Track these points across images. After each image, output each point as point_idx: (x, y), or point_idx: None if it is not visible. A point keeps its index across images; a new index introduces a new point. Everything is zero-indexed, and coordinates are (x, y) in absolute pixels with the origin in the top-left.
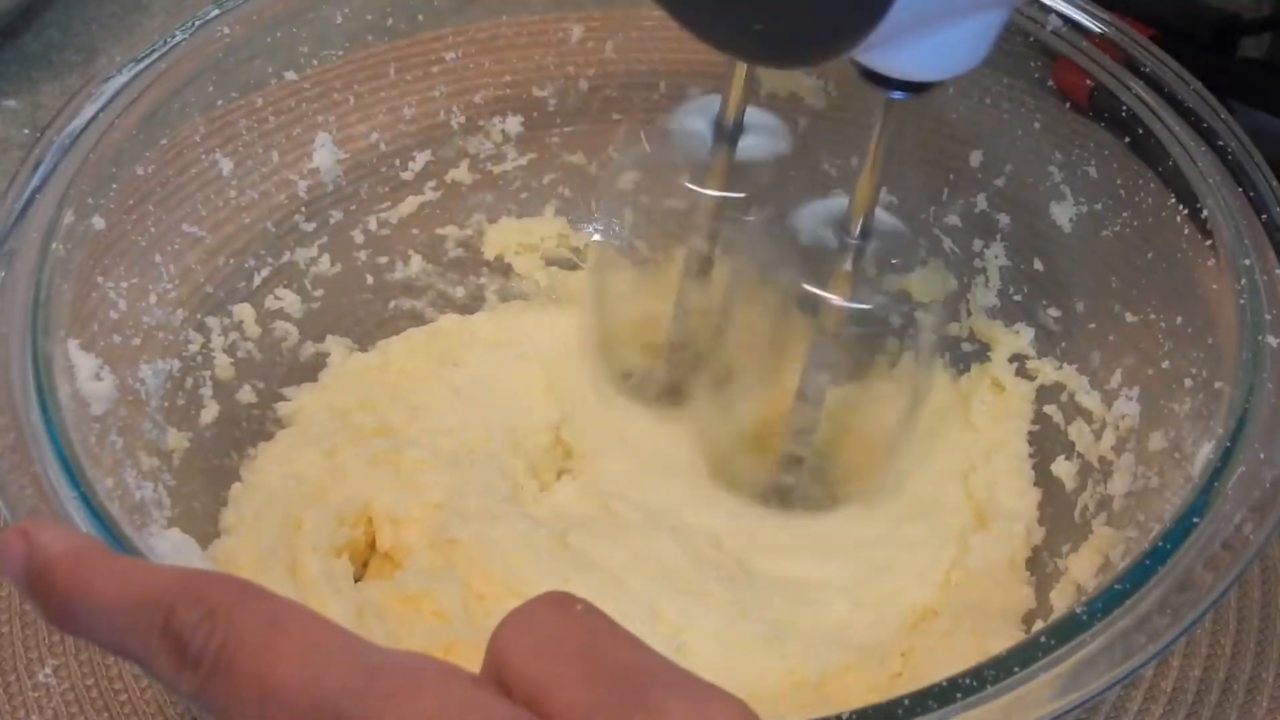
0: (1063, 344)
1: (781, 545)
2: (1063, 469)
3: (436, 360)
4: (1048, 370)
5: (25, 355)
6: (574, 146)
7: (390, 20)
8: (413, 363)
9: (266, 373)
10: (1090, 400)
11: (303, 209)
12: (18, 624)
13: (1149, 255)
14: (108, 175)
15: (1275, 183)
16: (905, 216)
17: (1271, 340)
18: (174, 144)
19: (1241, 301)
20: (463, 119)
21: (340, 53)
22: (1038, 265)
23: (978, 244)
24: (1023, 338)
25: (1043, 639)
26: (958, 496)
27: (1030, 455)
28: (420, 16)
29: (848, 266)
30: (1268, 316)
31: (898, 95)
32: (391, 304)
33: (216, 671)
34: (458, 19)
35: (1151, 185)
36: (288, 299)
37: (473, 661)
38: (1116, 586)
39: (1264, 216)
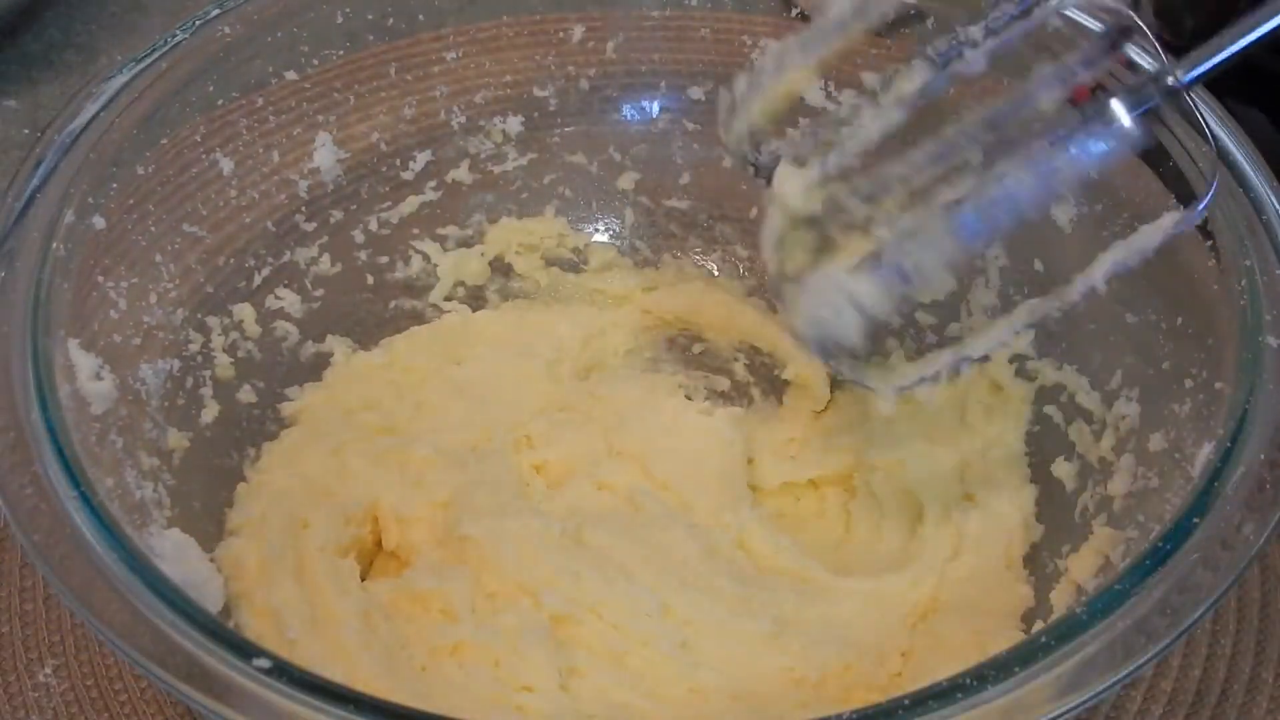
0: (1063, 344)
1: (794, 543)
2: (1063, 469)
3: (440, 358)
4: (1048, 371)
5: (25, 355)
6: (574, 146)
7: (390, 20)
8: (416, 361)
9: (267, 372)
10: (1090, 401)
11: (303, 209)
12: (18, 624)
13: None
14: (108, 175)
15: (1275, 183)
16: None
17: (1271, 340)
18: (174, 144)
19: (1241, 302)
20: (463, 119)
21: (341, 52)
22: (1038, 265)
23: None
24: (1023, 338)
25: (1043, 639)
26: (954, 494)
27: (1029, 455)
28: (420, 16)
29: None
30: (1268, 317)
31: None
32: (392, 304)
33: None
34: (458, 19)
35: (1152, 185)
36: (288, 299)
37: (479, 661)
38: (1116, 586)
39: (1264, 216)
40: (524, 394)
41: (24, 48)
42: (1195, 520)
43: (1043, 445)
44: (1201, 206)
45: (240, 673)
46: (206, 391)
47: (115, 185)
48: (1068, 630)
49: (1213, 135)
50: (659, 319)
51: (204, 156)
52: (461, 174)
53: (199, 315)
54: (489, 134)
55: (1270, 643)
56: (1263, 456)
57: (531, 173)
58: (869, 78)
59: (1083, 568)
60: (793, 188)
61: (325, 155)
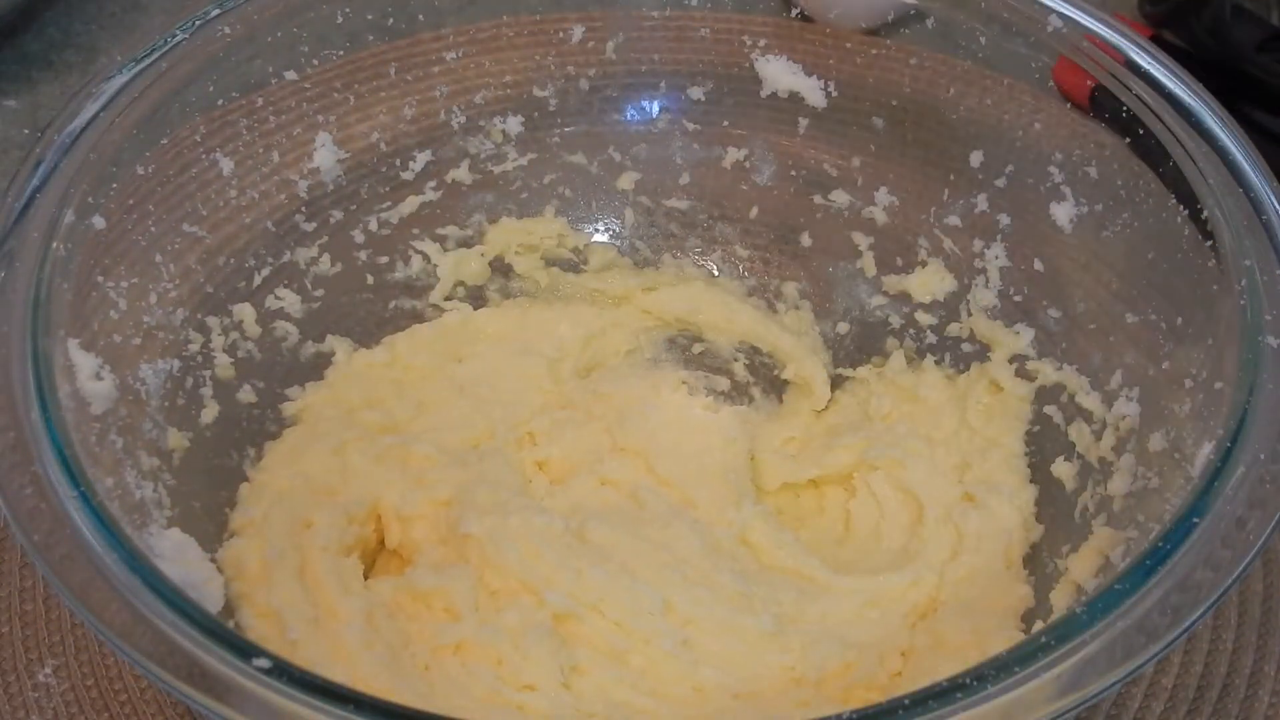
0: (1063, 344)
1: (796, 540)
2: (1063, 469)
3: (442, 356)
4: (1048, 371)
5: (25, 355)
6: (574, 146)
7: (390, 20)
8: (418, 359)
9: (267, 372)
10: (1090, 401)
11: (303, 209)
12: (18, 624)
13: (1149, 256)
14: (108, 175)
15: (1275, 183)
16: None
17: (1271, 340)
18: (174, 144)
19: (1241, 301)
20: (463, 119)
21: (341, 52)
22: (1038, 265)
23: (978, 244)
24: (1023, 338)
25: (1043, 639)
26: (954, 494)
27: (1029, 455)
28: (420, 16)
29: None
30: (1268, 317)
31: None
32: (392, 304)
33: None
34: (458, 19)
35: (1152, 186)
36: (288, 299)
37: (481, 660)
38: (1116, 586)
39: (1264, 216)
40: (526, 392)
41: (24, 48)
42: (1195, 520)
43: (1043, 445)
44: None
45: (240, 672)
46: (206, 391)
47: (115, 185)
48: (1068, 630)
49: (1212, 134)
50: (659, 319)
51: (204, 156)
52: (461, 174)
53: (199, 315)
54: (489, 134)
55: (1272, 637)
56: (1263, 456)
57: (531, 173)
58: None
59: (1083, 568)
60: None
61: (325, 155)
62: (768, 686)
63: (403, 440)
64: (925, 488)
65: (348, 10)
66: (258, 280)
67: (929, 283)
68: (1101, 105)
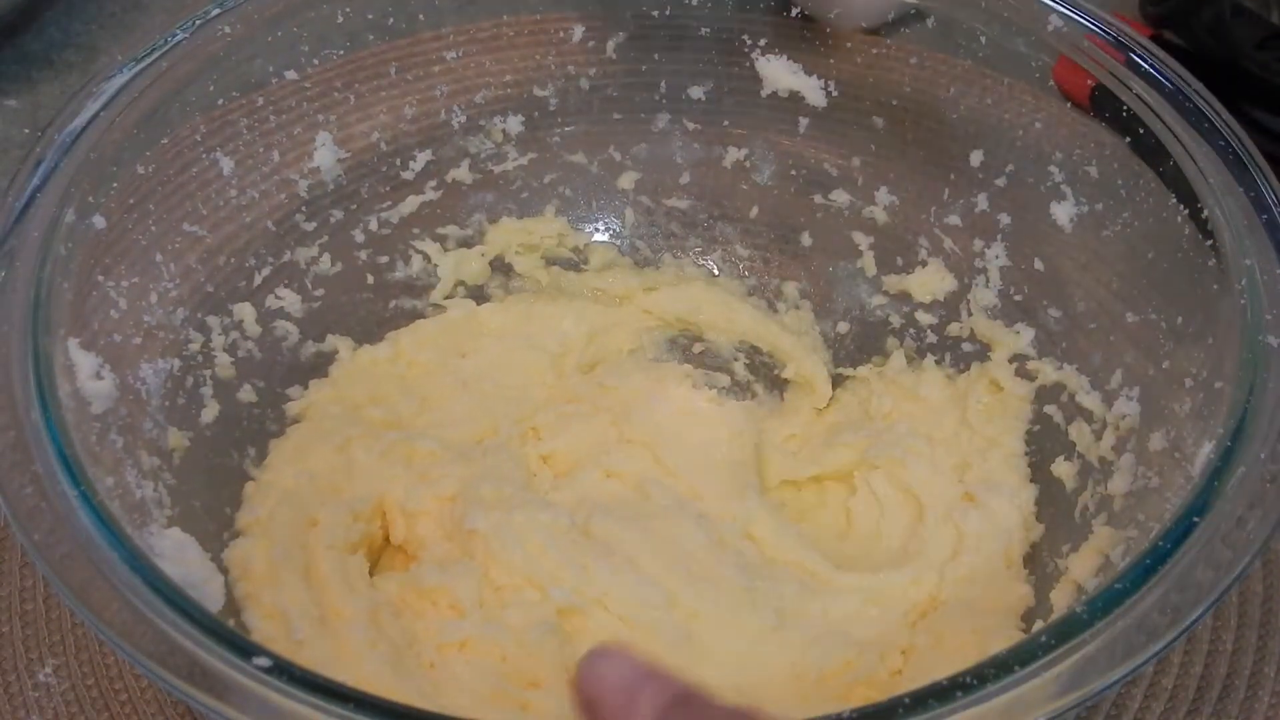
0: (1063, 344)
1: (800, 534)
2: (1063, 469)
3: (445, 351)
4: (1048, 370)
5: (25, 354)
6: (574, 146)
7: (391, 20)
8: (421, 355)
9: (267, 372)
10: (1091, 400)
11: (303, 208)
12: (18, 624)
13: (1149, 255)
14: (108, 174)
15: (1275, 183)
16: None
17: (1271, 340)
18: (174, 143)
19: (1242, 301)
20: (463, 118)
21: (341, 52)
22: (1038, 265)
23: (978, 244)
24: (1023, 338)
25: (1043, 638)
26: (954, 494)
27: (1029, 454)
28: (421, 16)
29: None
30: (1268, 316)
31: None
32: (392, 303)
33: None
34: (458, 18)
35: (1152, 185)
36: (288, 298)
37: (486, 656)
38: (1116, 586)
39: (1264, 216)
40: (530, 386)
41: (24, 47)
42: (1195, 519)
43: (1043, 445)
44: None
45: (240, 672)
46: (207, 391)
47: (115, 185)
48: (1068, 629)
49: (1213, 134)
50: (659, 319)
51: (204, 156)
52: (462, 174)
53: (199, 315)
54: (489, 134)
55: (1273, 638)
56: (1263, 456)
57: (532, 172)
58: None
59: (1083, 567)
60: None
61: (325, 155)
62: (769, 683)
63: (407, 436)
64: (926, 487)
65: (348, 10)
66: (258, 280)
67: (929, 282)
68: (1101, 105)
